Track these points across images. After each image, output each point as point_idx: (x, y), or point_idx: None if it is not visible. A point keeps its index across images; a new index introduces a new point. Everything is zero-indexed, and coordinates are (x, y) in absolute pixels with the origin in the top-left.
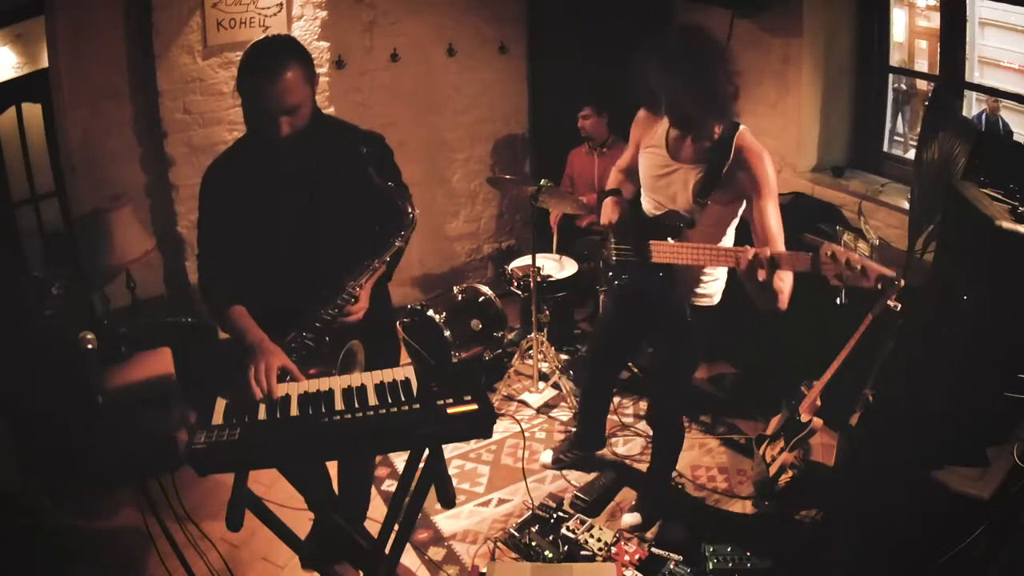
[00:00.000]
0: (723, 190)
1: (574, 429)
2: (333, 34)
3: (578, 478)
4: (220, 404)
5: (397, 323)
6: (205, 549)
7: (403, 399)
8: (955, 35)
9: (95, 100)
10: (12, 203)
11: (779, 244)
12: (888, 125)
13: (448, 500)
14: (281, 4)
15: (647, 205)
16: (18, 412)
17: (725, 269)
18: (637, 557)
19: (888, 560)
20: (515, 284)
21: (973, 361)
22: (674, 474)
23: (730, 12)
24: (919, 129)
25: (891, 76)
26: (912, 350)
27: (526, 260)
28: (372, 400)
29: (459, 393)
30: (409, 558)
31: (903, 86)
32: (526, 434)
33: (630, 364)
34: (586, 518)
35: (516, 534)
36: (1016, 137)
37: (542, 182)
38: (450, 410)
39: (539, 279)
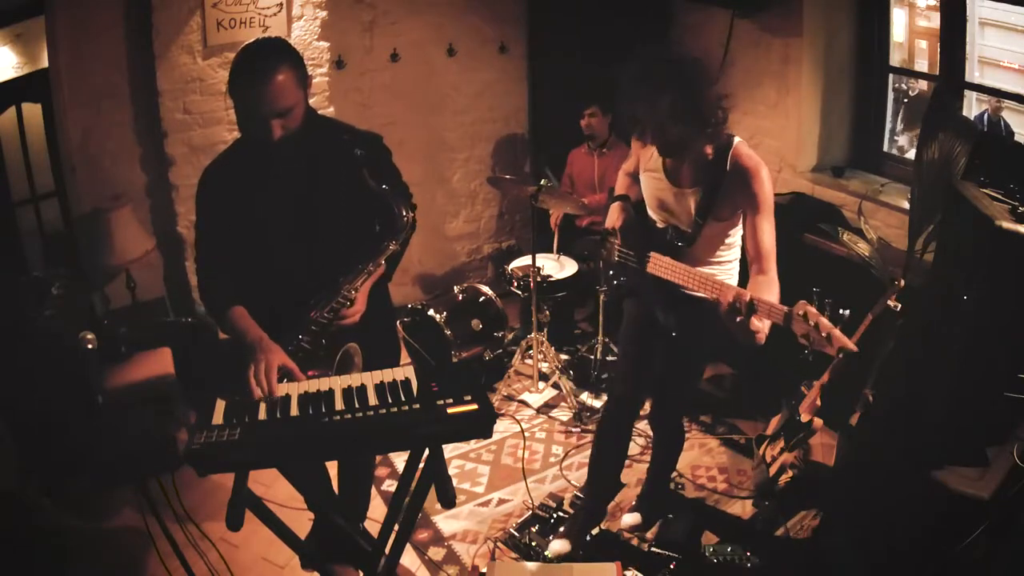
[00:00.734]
0: (722, 207)
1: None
2: (333, 34)
3: (578, 478)
4: (220, 404)
5: (397, 322)
6: (205, 549)
7: (403, 399)
8: (955, 35)
9: (95, 100)
10: (12, 203)
11: (770, 261)
12: (888, 125)
13: (448, 500)
14: (281, 4)
15: (652, 215)
16: (18, 412)
17: (736, 272)
18: None
19: (888, 560)
20: (515, 284)
21: (973, 361)
22: (674, 474)
23: (730, 12)
24: (919, 130)
25: (891, 76)
26: (912, 350)
27: (526, 260)
28: (372, 400)
29: (459, 393)
30: (409, 558)
31: (904, 86)
32: (526, 434)
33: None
34: None
35: (516, 534)
36: (1017, 137)
37: (542, 181)
38: (450, 410)
39: (539, 279)
